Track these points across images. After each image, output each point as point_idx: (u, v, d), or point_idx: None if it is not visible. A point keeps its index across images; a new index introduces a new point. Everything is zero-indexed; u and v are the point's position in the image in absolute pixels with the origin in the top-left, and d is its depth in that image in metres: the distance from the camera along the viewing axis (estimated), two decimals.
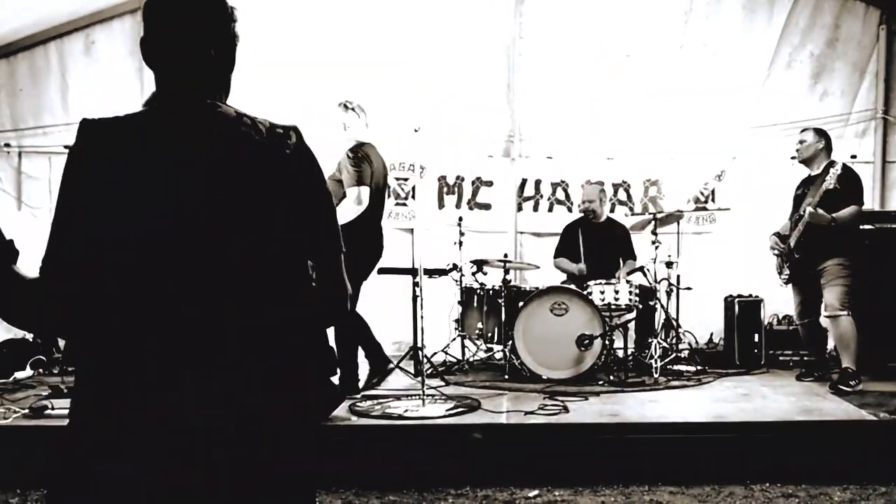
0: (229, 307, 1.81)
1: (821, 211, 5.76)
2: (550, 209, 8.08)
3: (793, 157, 6.59)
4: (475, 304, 6.96)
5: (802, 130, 6.33)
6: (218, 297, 1.81)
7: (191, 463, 1.76)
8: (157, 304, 1.77)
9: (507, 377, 6.44)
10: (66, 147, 7.52)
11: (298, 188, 1.94)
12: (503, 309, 6.70)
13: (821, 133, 6.20)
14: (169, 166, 1.81)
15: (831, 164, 5.98)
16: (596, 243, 7.13)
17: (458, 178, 8.04)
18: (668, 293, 7.00)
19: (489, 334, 6.88)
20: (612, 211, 7.88)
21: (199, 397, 1.77)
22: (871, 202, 7.31)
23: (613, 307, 6.53)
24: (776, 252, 6.34)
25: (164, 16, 1.91)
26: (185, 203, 1.80)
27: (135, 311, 1.77)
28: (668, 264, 6.94)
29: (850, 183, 5.88)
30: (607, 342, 6.40)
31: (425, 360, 5.87)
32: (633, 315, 6.71)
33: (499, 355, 7.05)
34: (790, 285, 6.33)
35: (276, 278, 1.89)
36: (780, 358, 7.19)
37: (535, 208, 8.10)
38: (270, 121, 1.98)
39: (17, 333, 7.44)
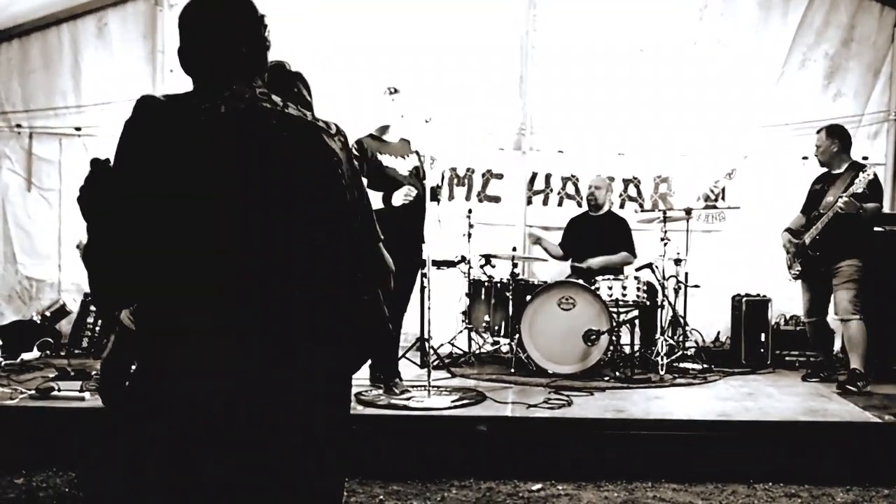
0: (275, 277, 1.89)
1: (854, 200, 5.77)
2: (560, 203, 8.06)
3: (804, 158, 6.58)
4: (483, 297, 6.96)
5: (818, 131, 6.32)
6: (263, 270, 1.87)
7: (226, 429, 1.83)
8: (201, 269, 1.84)
9: (513, 370, 6.45)
10: (77, 129, 7.60)
11: (337, 173, 2.03)
12: (511, 302, 6.70)
13: (833, 133, 6.20)
14: (221, 145, 1.88)
15: (856, 165, 6.07)
16: (596, 236, 7.14)
17: (468, 169, 8.02)
18: (676, 290, 6.98)
19: (496, 327, 6.88)
20: (621, 207, 7.86)
21: (241, 367, 1.84)
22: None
23: (621, 303, 6.52)
24: (789, 248, 6.33)
25: (199, 24, 2.02)
26: (234, 179, 1.87)
27: (181, 277, 1.84)
28: (677, 261, 6.92)
29: (876, 189, 5.98)
30: (614, 338, 6.40)
31: (432, 352, 5.87)
32: (637, 312, 6.73)
33: (505, 348, 7.05)
34: (799, 282, 6.34)
35: (317, 252, 1.96)
36: (787, 358, 7.16)
37: (545, 202, 8.09)
38: (311, 113, 2.08)
39: (26, 315, 7.48)
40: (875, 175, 5.92)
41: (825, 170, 6.30)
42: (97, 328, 7.21)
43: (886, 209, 7.38)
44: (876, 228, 6.44)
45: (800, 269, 6.24)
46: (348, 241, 2.03)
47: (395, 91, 5.75)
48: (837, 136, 6.17)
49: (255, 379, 1.83)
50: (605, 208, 7.35)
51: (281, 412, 1.87)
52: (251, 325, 1.83)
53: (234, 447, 1.82)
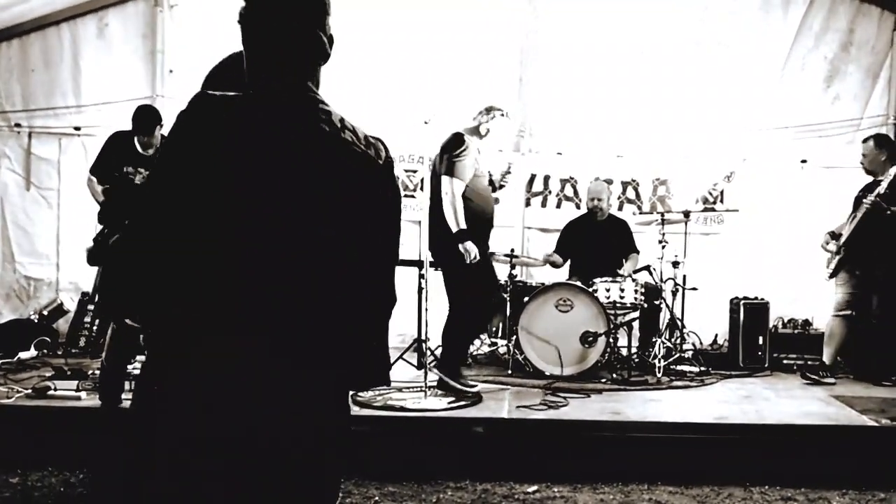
0: (290, 291, 1.85)
1: (879, 200, 5.93)
2: (558, 205, 8.06)
3: (803, 161, 6.56)
4: None
5: (865, 140, 6.42)
6: (281, 281, 1.84)
7: (236, 440, 1.82)
8: (227, 276, 1.81)
9: (510, 372, 6.44)
10: (76, 129, 7.60)
11: (380, 198, 1.98)
12: (508, 304, 6.70)
13: (881, 143, 6.32)
14: (271, 152, 1.84)
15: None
16: (598, 240, 7.13)
17: None
18: (674, 293, 6.98)
19: (493, 329, 6.88)
20: (620, 209, 7.86)
21: (251, 377, 1.82)
22: None
23: (619, 305, 6.52)
24: (827, 248, 6.44)
25: (267, 8, 1.92)
26: (275, 190, 1.83)
27: (206, 284, 1.81)
28: (675, 264, 6.92)
29: None
30: (611, 340, 6.40)
31: (429, 353, 5.86)
32: (637, 314, 6.71)
33: (502, 350, 7.05)
34: (831, 281, 6.44)
35: (337, 272, 1.91)
36: (784, 361, 7.15)
37: (544, 204, 8.09)
38: (361, 128, 1.99)
39: (23, 314, 7.48)
40: None
41: (871, 179, 6.35)
42: (94, 328, 7.21)
43: None
44: None
45: (834, 267, 6.34)
46: (374, 269, 2.00)
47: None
48: (885, 146, 6.28)
49: (258, 379, 1.82)
50: (607, 213, 7.34)
51: (282, 414, 1.86)
52: (260, 332, 1.81)
53: (233, 448, 1.82)
